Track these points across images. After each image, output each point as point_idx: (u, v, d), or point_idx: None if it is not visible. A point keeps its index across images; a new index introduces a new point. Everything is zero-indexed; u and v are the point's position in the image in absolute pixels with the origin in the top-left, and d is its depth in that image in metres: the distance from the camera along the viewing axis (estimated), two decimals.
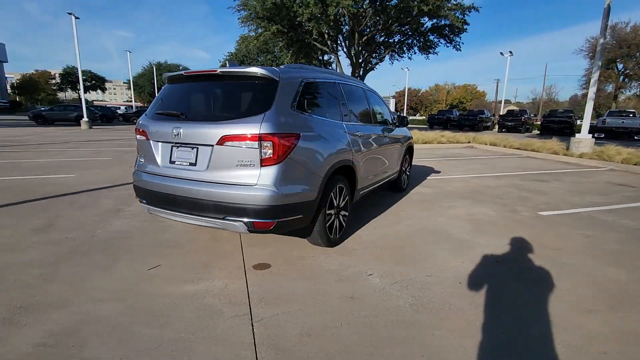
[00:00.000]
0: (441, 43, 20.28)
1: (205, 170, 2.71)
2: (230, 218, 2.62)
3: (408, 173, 6.00)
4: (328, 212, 3.17)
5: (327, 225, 3.18)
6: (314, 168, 2.88)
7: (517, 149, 12.25)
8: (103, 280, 2.65)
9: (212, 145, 2.64)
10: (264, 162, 2.55)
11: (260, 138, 2.51)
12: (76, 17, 27.27)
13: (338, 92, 3.58)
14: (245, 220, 2.59)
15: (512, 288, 2.64)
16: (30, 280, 2.63)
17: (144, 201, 3.10)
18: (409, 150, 5.87)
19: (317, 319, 2.21)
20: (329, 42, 17.67)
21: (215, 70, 2.84)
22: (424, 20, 18.38)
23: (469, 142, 14.52)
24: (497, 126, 28.62)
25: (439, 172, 8.00)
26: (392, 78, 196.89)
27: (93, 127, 23.86)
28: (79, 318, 2.17)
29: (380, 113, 4.71)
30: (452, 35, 19.21)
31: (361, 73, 18.77)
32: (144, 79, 54.75)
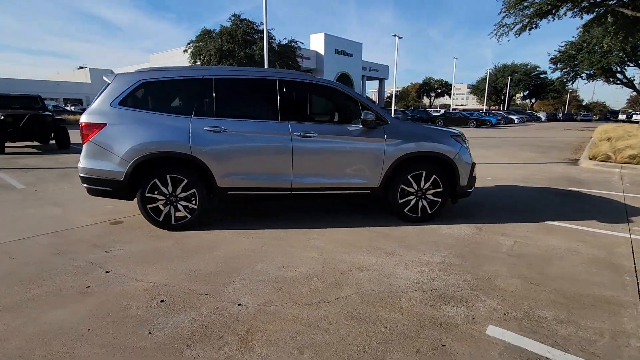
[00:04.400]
0: None
1: None
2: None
3: (432, 197, 4.02)
4: (149, 195, 3.58)
5: (149, 207, 3.61)
6: (119, 153, 3.47)
7: None
8: (79, 205, 4.72)
9: None
10: (82, 142, 3.59)
11: (79, 124, 3.58)
12: (399, 37, 33.01)
13: (200, 89, 3.63)
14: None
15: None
16: (50, 185, 5.17)
17: None
18: (431, 166, 3.94)
19: (17, 249, 3.14)
20: None
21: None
22: None
23: None
24: None
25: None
26: None
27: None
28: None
29: (321, 108, 3.83)
30: None
31: None
32: (484, 83, 55.51)
